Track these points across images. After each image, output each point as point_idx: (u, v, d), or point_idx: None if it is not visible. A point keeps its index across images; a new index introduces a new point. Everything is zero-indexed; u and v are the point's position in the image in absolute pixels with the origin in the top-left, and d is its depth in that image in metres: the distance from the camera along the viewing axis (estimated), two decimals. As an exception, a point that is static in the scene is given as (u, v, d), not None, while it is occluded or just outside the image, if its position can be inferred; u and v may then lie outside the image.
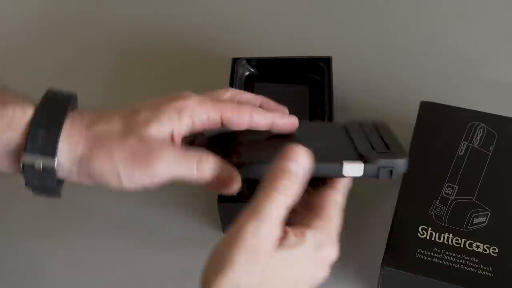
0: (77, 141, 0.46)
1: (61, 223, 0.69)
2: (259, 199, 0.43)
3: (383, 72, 0.79)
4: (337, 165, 0.47)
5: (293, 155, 0.44)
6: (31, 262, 0.66)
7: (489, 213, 0.59)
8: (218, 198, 0.62)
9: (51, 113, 0.46)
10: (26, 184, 0.47)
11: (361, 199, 0.69)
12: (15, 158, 0.46)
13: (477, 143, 0.63)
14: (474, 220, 0.58)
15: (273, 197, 0.43)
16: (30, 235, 0.68)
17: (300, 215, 0.47)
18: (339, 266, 0.64)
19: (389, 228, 0.58)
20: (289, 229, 0.44)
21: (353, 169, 0.47)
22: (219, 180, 0.47)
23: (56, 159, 0.45)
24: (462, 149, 0.63)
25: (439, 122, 0.65)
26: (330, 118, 0.68)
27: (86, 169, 0.46)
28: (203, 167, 0.46)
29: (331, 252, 0.46)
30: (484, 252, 0.56)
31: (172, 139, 0.47)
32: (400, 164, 0.47)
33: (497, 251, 0.56)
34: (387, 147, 0.49)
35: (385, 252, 0.57)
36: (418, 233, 0.58)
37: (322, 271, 0.46)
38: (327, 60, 0.72)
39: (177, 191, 0.70)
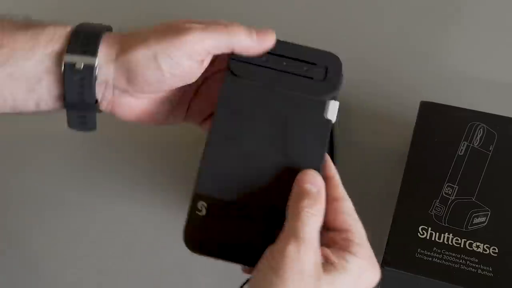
0: (114, 42, 0.48)
1: (61, 225, 0.69)
2: (291, 222, 0.43)
3: (383, 72, 0.79)
4: (328, 125, 0.47)
5: (306, 178, 0.46)
6: (31, 262, 0.67)
7: (489, 213, 0.59)
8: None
9: (91, 26, 0.49)
10: (66, 98, 0.48)
11: (361, 199, 0.69)
12: (56, 69, 0.47)
13: (477, 143, 0.63)
14: (474, 220, 0.58)
15: (305, 217, 0.43)
16: (31, 236, 0.68)
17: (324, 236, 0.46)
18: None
19: (389, 228, 0.58)
20: (329, 252, 0.44)
21: (333, 111, 0.48)
22: (255, 36, 0.47)
23: (97, 58, 0.47)
24: (462, 149, 0.63)
25: (439, 122, 0.65)
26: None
27: (123, 63, 0.47)
28: (231, 26, 0.47)
29: (374, 277, 0.46)
30: (484, 252, 0.56)
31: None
32: (340, 64, 0.50)
33: (497, 251, 0.56)
34: (311, 63, 0.49)
35: (385, 252, 0.57)
36: (418, 233, 0.58)
37: None
38: (327, 60, 0.72)
39: (177, 191, 0.70)
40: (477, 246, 0.57)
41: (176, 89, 0.50)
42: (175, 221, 0.69)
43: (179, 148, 0.72)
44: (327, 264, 0.43)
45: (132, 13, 0.89)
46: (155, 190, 0.70)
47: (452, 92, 0.76)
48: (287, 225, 0.44)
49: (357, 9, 0.87)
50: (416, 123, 0.65)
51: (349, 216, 0.46)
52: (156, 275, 0.65)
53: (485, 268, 0.55)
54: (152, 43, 0.46)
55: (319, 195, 0.45)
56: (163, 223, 0.68)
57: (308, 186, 0.45)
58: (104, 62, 0.47)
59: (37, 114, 0.50)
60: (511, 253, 0.56)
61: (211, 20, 0.48)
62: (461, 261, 0.56)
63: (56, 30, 0.48)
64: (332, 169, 0.48)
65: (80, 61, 0.46)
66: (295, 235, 0.42)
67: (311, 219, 0.43)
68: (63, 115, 0.50)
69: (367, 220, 0.67)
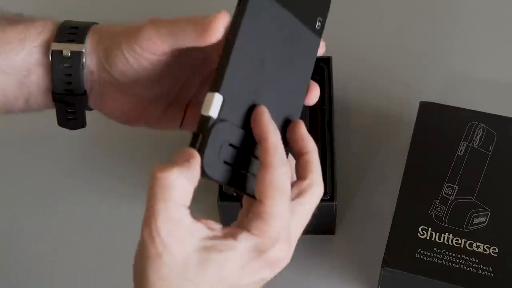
0: (98, 32, 0.48)
1: (62, 225, 0.69)
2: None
3: (383, 72, 0.79)
4: None
5: (174, 154, 0.40)
6: (31, 263, 0.67)
7: (489, 213, 0.59)
8: (218, 197, 0.62)
9: (78, 21, 0.49)
10: (54, 89, 0.48)
11: (361, 198, 0.69)
12: (45, 60, 0.47)
13: (476, 143, 0.63)
14: (474, 220, 0.58)
15: (155, 190, 0.38)
16: (30, 236, 0.68)
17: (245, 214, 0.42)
18: (339, 266, 0.64)
19: (389, 228, 0.58)
20: (218, 228, 0.40)
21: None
22: (201, 30, 0.43)
23: (84, 45, 0.47)
24: (462, 149, 0.63)
25: (439, 122, 0.65)
26: (330, 119, 0.67)
27: (102, 53, 0.47)
28: (179, 22, 0.45)
29: (277, 255, 0.40)
30: (484, 252, 0.56)
31: None
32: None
33: (497, 251, 0.56)
34: None
35: (385, 252, 0.57)
36: (418, 233, 0.58)
37: (265, 274, 0.41)
38: (327, 60, 0.72)
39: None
40: (477, 246, 0.57)
41: (166, 92, 0.49)
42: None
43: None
44: (208, 240, 0.39)
45: (131, 14, 0.89)
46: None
47: (452, 92, 0.76)
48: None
49: (357, 9, 0.87)
50: (416, 123, 0.66)
51: (273, 188, 0.39)
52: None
53: (485, 268, 0.55)
54: (119, 37, 0.46)
55: (181, 162, 0.38)
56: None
57: (173, 158, 0.39)
58: (89, 50, 0.47)
59: (26, 113, 0.50)
60: (511, 253, 0.56)
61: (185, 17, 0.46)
62: (461, 261, 0.56)
63: (46, 23, 0.49)
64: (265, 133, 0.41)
65: (67, 48, 0.47)
66: (147, 216, 0.38)
67: (165, 191, 0.37)
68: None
69: (367, 220, 0.67)
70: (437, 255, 0.56)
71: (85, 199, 0.70)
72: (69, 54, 0.47)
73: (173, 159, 0.39)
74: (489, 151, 0.63)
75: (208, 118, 0.40)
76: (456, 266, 0.56)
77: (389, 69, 0.79)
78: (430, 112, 0.66)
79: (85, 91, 0.48)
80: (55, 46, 0.47)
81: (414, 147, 0.64)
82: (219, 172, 0.41)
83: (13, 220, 0.69)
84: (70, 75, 0.47)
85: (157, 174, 0.38)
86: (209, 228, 0.40)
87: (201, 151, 0.40)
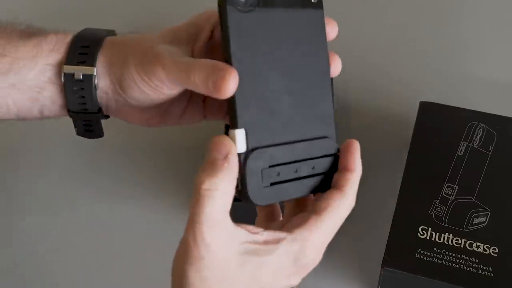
0: (112, 53, 0.48)
1: (63, 226, 0.69)
2: (190, 204, 0.40)
3: (383, 72, 0.79)
4: None
5: (211, 146, 0.41)
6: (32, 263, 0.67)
7: (489, 213, 0.59)
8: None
9: (91, 33, 0.49)
10: (69, 107, 0.48)
11: (361, 199, 0.69)
12: (57, 79, 0.47)
13: (476, 143, 0.63)
14: (474, 220, 0.58)
15: (201, 197, 0.39)
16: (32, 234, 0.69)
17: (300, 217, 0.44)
18: (339, 266, 0.64)
19: (389, 228, 0.58)
20: (259, 232, 0.42)
21: None
22: (214, 85, 0.42)
23: (95, 68, 0.47)
24: (462, 149, 0.63)
25: (439, 122, 0.65)
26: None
27: (114, 78, 0.47)
28: (193, 70, 0.43)
29: (308, 262, 0.43)
30: (484, 252, 0.56)
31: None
32: None
33: (497, 251, 0.56)
34: None
35: (385, 252, 0.57)
36: (418, 233, 0.58)
37: (294, 280, 0.44)
38: (327, 60, 0.72)
39: (177, 190, 0.70)
40: (477, 246, 0.57)
41: (183, 93, 0.48)
42: (176, 221, 0.69)
43: (180, 152, 0.72)
44: (251, 244, 0.41)
45: (131, 14, 0.89)
46: (154, 190, 0.71)
47: (452, 92, 0.76)
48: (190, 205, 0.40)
49: (357, 8, 0.87)
50: (416, 123, 0.66)
51: (335, 207, 0.43)
52: (158, 276, 0.65)
53: (485, 268, 0.55)
54: (131, 68, 0.46)
55: (221, 164, 0.40)
56: (163, 222, 0.68)
57: (212, 154, 0.40)
58: (101, 73, 0.47)
59: (43, 120, 0.50)
60: (511, 253, 0.56)
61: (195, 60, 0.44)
62: (461, 261, 0.56)
63: (57, 39, 0.48)
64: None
65: (78, 71, 0.47)
66: (192, 218, 0.39)
67: (209, 198, 0.39)
68: (67, 118, 0.50)
69: (367, 220, 0.67)
70: (437, 255, 0.56)
71: (86, 200, 0.70)
72: (81, 77, 0.47)
73: (211, 152, 0.40)
74: (489, 151, 0.63)
75: (239, 155, 0.41)
76: (456, 266, 0.56)
77: (389, 69, 0.79)
78: (430, 112, 0.66)
79: (100, 109, 0.49)
80: (67, 69, 0.47)
81: (414, 147, 0.64)
82: (269, 196, 0.42)
83: (15, 221, 0.69)
84: (83, 96, 0.48)
85: (200, 186, 0.39)
86: (250, 232, 0.41)
87: (244, 187, 0.41)
